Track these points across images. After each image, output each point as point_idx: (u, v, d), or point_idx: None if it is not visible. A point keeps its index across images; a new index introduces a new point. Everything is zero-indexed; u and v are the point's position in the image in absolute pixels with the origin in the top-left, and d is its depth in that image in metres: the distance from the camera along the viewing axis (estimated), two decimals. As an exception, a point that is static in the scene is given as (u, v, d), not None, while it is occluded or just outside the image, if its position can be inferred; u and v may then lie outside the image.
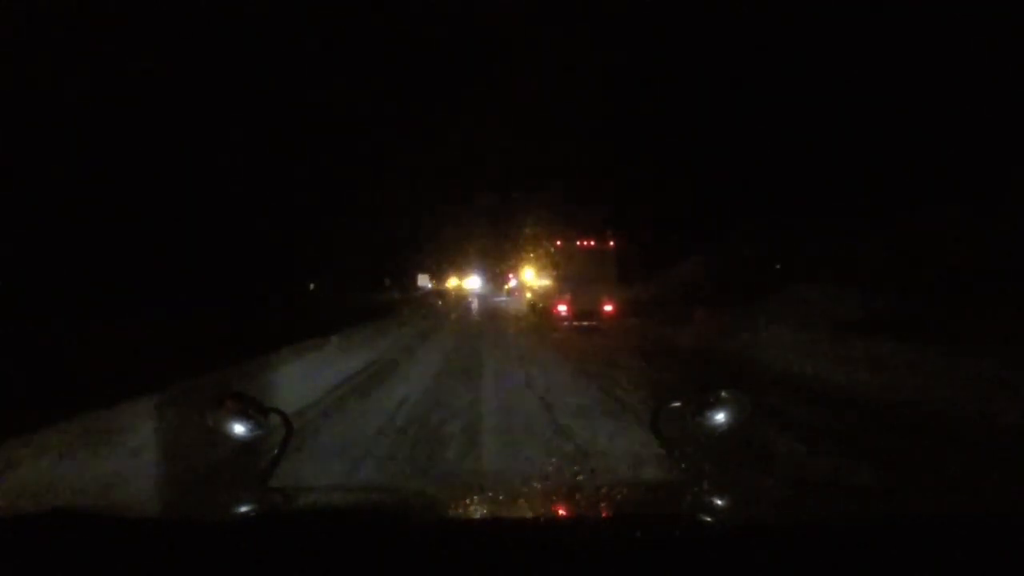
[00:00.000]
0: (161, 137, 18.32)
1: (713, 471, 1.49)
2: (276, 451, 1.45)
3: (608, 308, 15.30)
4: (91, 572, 0.82)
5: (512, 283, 39.67)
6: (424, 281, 49.98)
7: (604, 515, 1.13)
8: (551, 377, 7.66)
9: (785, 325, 9.03)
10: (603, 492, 1.25)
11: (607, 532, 0.96)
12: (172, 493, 3.62)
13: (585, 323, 15.11)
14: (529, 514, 1.24)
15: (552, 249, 17.02)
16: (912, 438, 4.88)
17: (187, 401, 4.13)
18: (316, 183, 28.64)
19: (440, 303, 31.90)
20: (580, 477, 1.61)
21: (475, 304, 32.48)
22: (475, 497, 1.36)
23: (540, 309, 18.21)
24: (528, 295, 22.34)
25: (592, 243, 16.02)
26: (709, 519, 1.09)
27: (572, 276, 15.68)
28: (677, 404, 1.43)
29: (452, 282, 52.97)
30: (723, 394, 1.37)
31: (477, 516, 1.18)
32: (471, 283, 51.59)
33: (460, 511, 1.24)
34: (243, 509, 1.26)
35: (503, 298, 38.21)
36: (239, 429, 1.36)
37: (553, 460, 4.28)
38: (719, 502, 1.22)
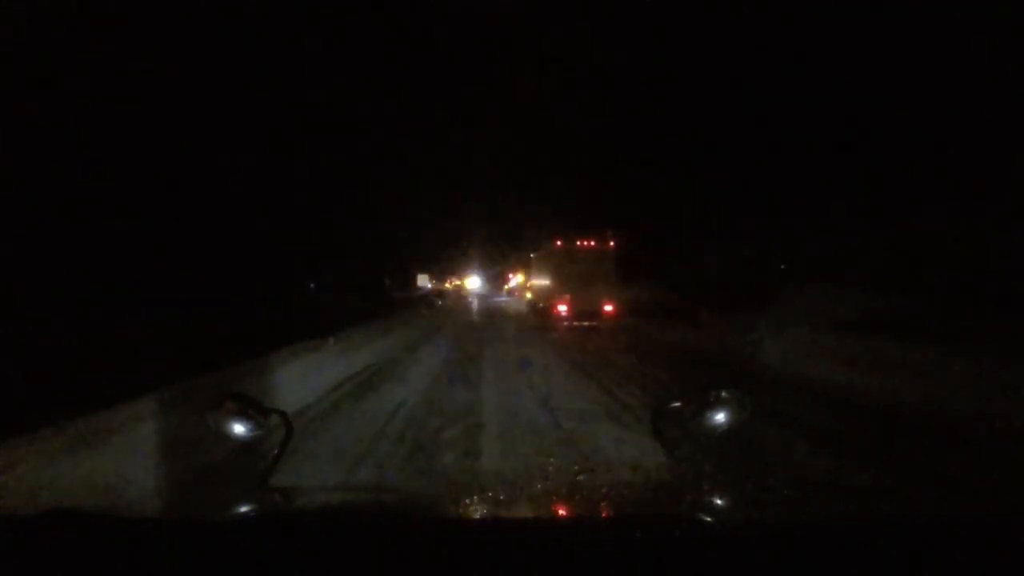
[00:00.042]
0: (161, 137, 18.32)
1: (713, 471, 1.49)
2: (276, 451, 1.45)
3: (608, 308, 15.31)
4: (91, 572, 0.82)
5: (512, 283, 39.70)
6: (424, 281, 50.03)
7: (604, 515, 1.13)
8: (552, 380, 7.55)
9: (786, 325, 9.03)
10: (603, 492, 1.25)
11: (607, 532, 0.96)
12: (172, 493, 3.61)
13: (585, 323, 15.12)
14: (529, 514, 1.24)
15: (552, 249, 17.02)
16: (912, 438, 4.89)
17: (187, 401, 4.13)
18: (316, 183, 28.66)
19: (440, 303, 31.91)
20: (580, 477, 1.61)
21: (475, 304, 32.48)
22: (475, 497, 1.36)
23: (540, 309, 18.21)
24: (528, 295, 22.34)
25: (592, 243, 16.02)
26: (709, 519, 1.09)
27: (572, 276, 15.69)
28: (677, 404, 1.43)
29: (452, 282, 52.98)
30: (723, 394, 1.37)
31: (477, 516, 1.18)
32: (471, 283, 51.61)
33: (460, 511, 1.24)
34: (243, 509, 1.26)
35: (503, 298, 38.20)
36: (239, 429, 1.36)
37: (551, 460, 4.26)
38: (719, 502, 1.22)
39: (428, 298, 35.07)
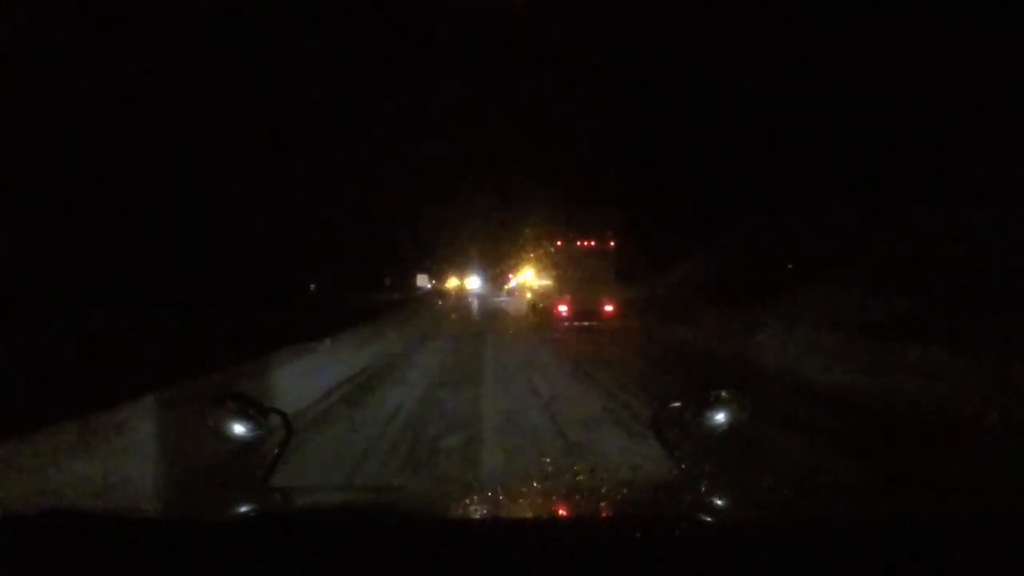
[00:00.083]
0: (161, 137, 18.33)
1: (713, 471, 1.49)
2: (276, 451, 1.45)
3: (608, 308, 15.32)
4: (91, 572, 0.82)
5: (512, 283, 39.72)
6: (424, 281, 50.03)
7: (604, 515, 1.13)
8: (554, 383, 7.32)
9: (787, 325, 9.03)
10: (603, 492, 1.25)
11: (607, 532, 0.96)
12: (172, 493, 3.62)
13: (585, 323, 15.12)
14: (529, 514, 1.24)
15: (552, 249, 17.03)
16: (912, 438, 4.89)
17: (187, 401, 4.14)
18: (316, 183, 28.68)
19: (440, 303, 31.93)
20: (580, 477, 1.61)
21: (475, 304, 32.47)
22: (475, 497, 1.36)
23: (540, 309, 18.23)
24: (528, 295, 22.36)
25: (592, 243, 16.03)
26: (709, 519, 1.09)
27: (572, 276, 15.70)
28: (677, 404, 1.43)
29: (452, 282, 52.96)
30: (723, 394, 1.37)
31: (477, 516, 1.18)
32: (471, 283, 51.59)
33: (460, 511, 1.24)
34: (243, 509, 1.26)
35: (503, 298, 38.20)
36: (239, 429, 1.36)
37: (548, 460, 4.24)
38: (719, 502, 1.22)
39: (428, 298, 35.12)
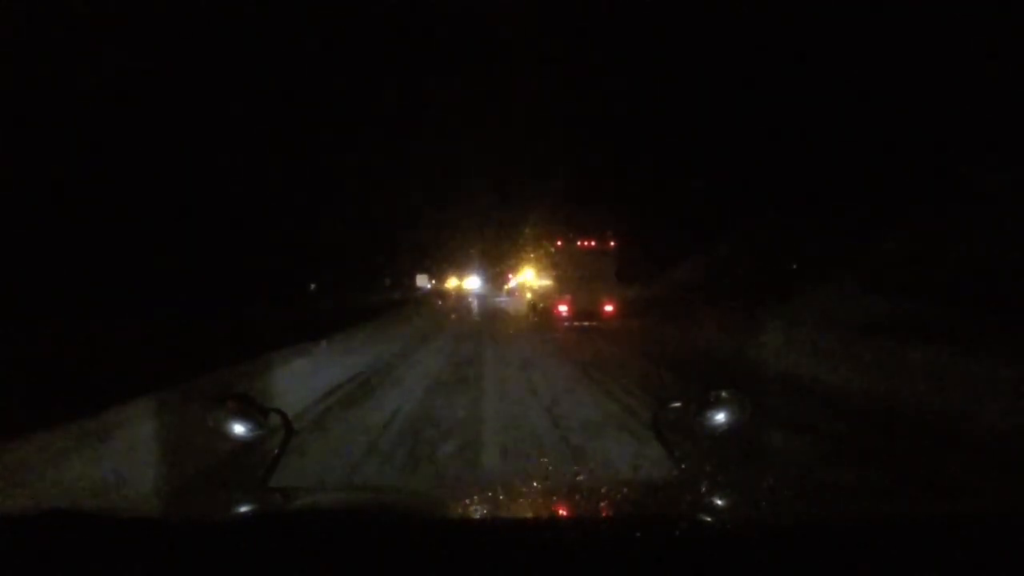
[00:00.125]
0: (161, 137, 18.33)
1: (713, 471, 1.49)
2: (276, 451, 1.45)
3: (608, 308, 15.32)
4: (91, 572, 0.82)
5: (512, 283, 39.75)
6: (423, 281, 50.01)
7: (604, 515, 1.13)
8: (556, 385, 7.19)
9: (789, 325, 9.03)
10: (603, 492, 1.25)
11: (607, 532, 0.96)
12: (172, 493, 3.62)
13: (586, 323, 15.13)
14: (529, 514, 1.24)
15: (552, 249, 17.04)
16: (913, 439, 4.88)
17: (187, 401, 4.14)
18: (316, 183, 28.68)
19: (440, 303, 31.94)
20: (580, 477, 1.61)
21: (475, 304, 32.48)
22: (475, 497, 1.36)
23: (540, 309, 18.24)
24: (528, 295, 22.37)
25: (592, 243, 16.04)
26: (709, 519, 1.09)
27: (572, 276, 15.71)
28: (677, 404, 1.44)
29: (452, 282, 52.97)
30: (723, 394, 1.37)
31: (477, 516, 1.18)
32: (471, 283, 51.60)
33: (460, 511, 1.24)
34: (243, 509, 1.26)
35: (503, 298, 38.21)
36: (239, 429, 1.37)
37: (545, 460, 4.23)
38: (719, 502, 1.22)
39: (428, 298, 35.13)
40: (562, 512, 1.23)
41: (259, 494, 1.36)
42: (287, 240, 25.99)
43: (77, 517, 0.95)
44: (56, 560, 0.82)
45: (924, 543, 0.85)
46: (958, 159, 10.61)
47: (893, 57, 12.22)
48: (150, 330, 11.35)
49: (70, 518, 0.94)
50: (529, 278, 22.81)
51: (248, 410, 1.37)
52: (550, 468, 4.00)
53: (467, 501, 1.31)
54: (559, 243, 16.57)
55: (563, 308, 15.59)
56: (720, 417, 1.36)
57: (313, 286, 34.70)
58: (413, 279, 49.27)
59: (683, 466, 1.46)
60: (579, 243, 16.10)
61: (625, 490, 1.32)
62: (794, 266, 13.49)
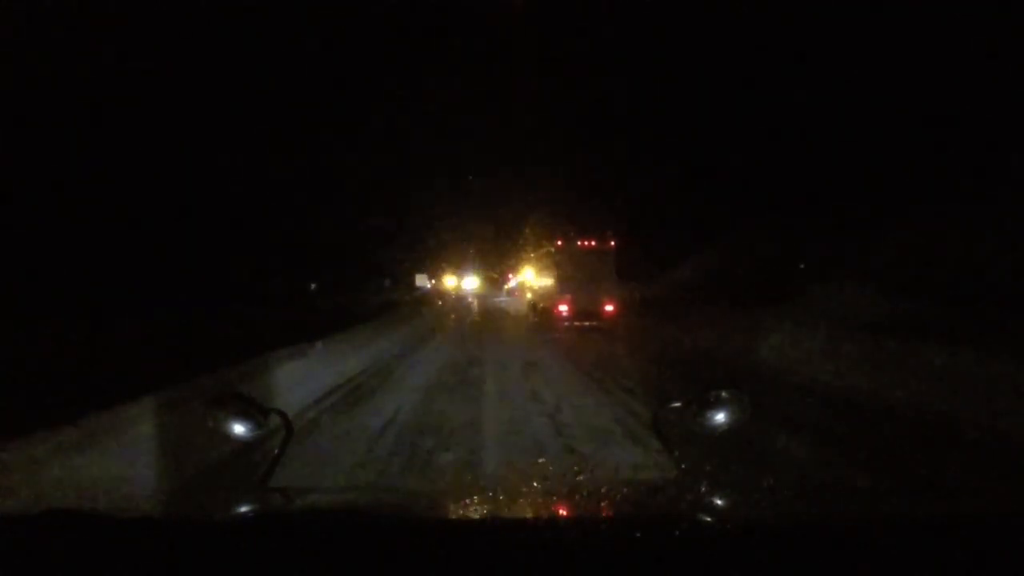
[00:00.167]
0: (161, 137, 18.33)
1: (713, 471, 1.49)
2: (276, 451, 1.45)
3: (609, 308, 15.31)
4: (91, 572, 0.82)
5: (512, 283, 39.77)
6: (423, 281, 49.96)
7: (604, 515, 1.13)
8: (559, 389, 6.98)
9: (789, 324, 9.03)
10: (603, 492, 1.25)
11: (607, 532, 0.96)
12: (172, 493, 3.62)
13: (586, 323, 15.12)
14: (529, 514, 1.24)
15: (552, 249, 17.03)
16: (914, 439, 4.88)
17: (187, 401, 4.14)
18: (316, 183, 28.68)
19: (440, 303, 31.92)
20: (580, 477, 1.61)
21: (475, 304, 32.48)
22: (475, 497, 1.36)
23: (541, 309, 18.23)
24: (528, 295, 22.38)
25: (592, 243, 16.03)
26: (709, 519, 1.09)
27: (573, 276, 15.69)
28: (677, 404, 1.44)
29: (452, 282, 52.93)
30: (723, 394, 1.37)
31: (477, 516, 1.18)
32: (471, 283, 51.59)
33: (460, 511, 1.24)
34: (243, 509, 1.26)
35: (503, 298, 38.23)
36: (239, 429, 1.37)
37: (542, 460, 4.21)
38: (719, 502, 1.22)
39: (428, 298, 35.14)
40: (562, 512, 1.23)
41: (259, 494, 1.36)
42: (287, 240, 25.99)
43: (77, 517, 0.95)
44: (56, 560, 0.82)
45: (924, 543, 0.85)
46: (958, 159, 10.60)
47: (893, 57, 12.22)
48: (150, 330, 11.35)
49: (70, 518, 0.94)
50: (529, 278, 22.81)
51: (248, 410, 1.37)
52: (550, 468, 3.99)
53: (467, 501, 1.31)
54: (559, 243, 16.56)
55: (563, 308, 15.59)
56: (720, 417, 1.36)
57: (313, 286, 34.71)
58: (413, 279, 49.27)
59: (683, 466, 1.46)
60: (579, 243, 16.10)
61: (625, 490, 1.32)
62: (802, 266, 13.45)
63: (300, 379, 6.71)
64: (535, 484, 1.49)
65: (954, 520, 0.98)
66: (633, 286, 17.90)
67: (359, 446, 4.75)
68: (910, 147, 11.73)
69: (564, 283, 15.93)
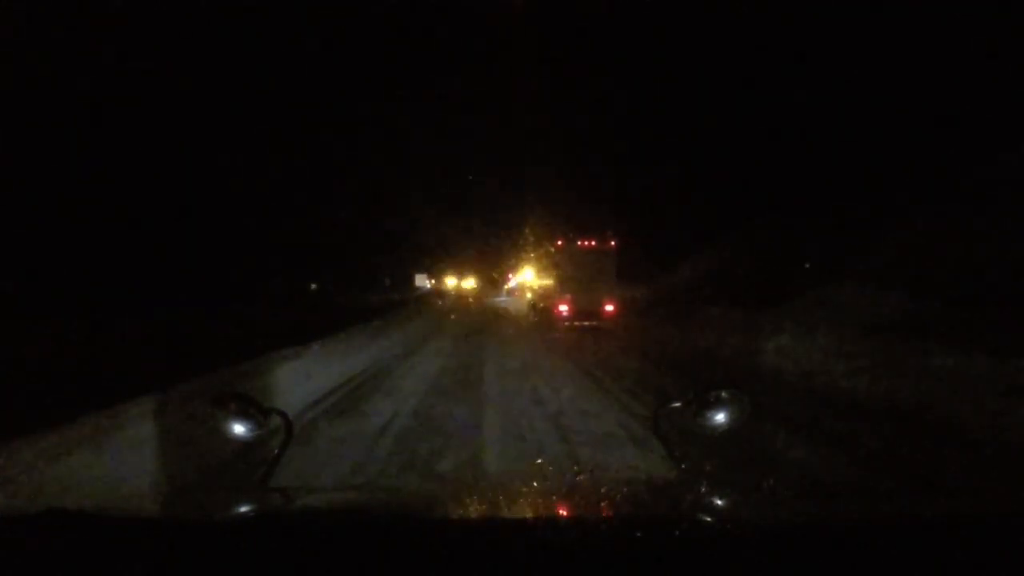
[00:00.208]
0: (161, 137, 18.34)
1: (713, 471, 1.49)
2: (276, 451, 1.45)
3: (609, 308, 15.31)
4: (91, 572, 0.82)
5: (512, 283, 39.81)
6: (423, 281, 50.05)
7: (604, 515, 1.13)
8: (561, 392, 6.84)
9: (790, 324, 9.02)
10: (603, 492, 1.25)
11: (607, 532, 0.96)
12: (172, 493, 3.62)
13: (586, 323, 15.12)
14: (529, 514, 1.24)
15: (552, 249, 17.03)
16: (914, 440, 4.88)
17: (187, 401, 4.14)
18: (316, 183, 28.70)
19: (440, 303, 31.94)
20: (580, 477, 1.61)
21: (475, 304, 32.48)
22: (475, 497, 1.36)
23: (541, 309, 18.24)
24: (529, 295, 22.38)
25: (592, 243, 16.03)
26: (709, 519, 1.09)
27: (573, 276, 15.69)
28: (677, 404, 1.44)
29: (452, 282, 52.95)
30: (723, 394, 1.37)
31: (477, 516, 1.18)
32: (471, 283, 51.62)
33: (460, 511, 1.24)
34: (243, 509, 1.26)
35: (503, 298, 38.20)
36: (239, 429, 1.37)
37: (540, 460, 4.20)
38: (719, 502, 1.22)
39: (428, 298, 35.16)
40: (562, 512, 1.23)
41: (259, 494, 1.36)
42: (287, 240, 26.01)
43: (77, 517, 0.95)
44: (56, 560, 0.82)
45: (924, 543, 0.85)
46: (958, 159, 10.60)
47: (893, 57, 12.22)
48: (150, 330, 11.35)
49: (70, 518, 0.94)
50: (529, 278, 22.84)
51: (248, 410, 1.37)
52: (550, 468, 3.98)
53: (467, 501, 1.31)
54: (559, 243, 16.57)
55: (563, 308, 15.58)
56: (720, 417, 1.36)
57: (314, 286, 34.75)
58: (413, 279, 49.33)
59: (683, 466, 1.46)
60: (579, 243, 16.09)
61: (625, 490, 1.32)
62: (807, 265, 13.41)
63: (300, 379, 6.69)
64: (535, 484, 1.49)
65: (954, 520, 0.98)
66: (633, 286, 17.90)
67: (358, 449, 4.66)
68: (910, 147, 11.72)
69: (564, 283, 15.93)
